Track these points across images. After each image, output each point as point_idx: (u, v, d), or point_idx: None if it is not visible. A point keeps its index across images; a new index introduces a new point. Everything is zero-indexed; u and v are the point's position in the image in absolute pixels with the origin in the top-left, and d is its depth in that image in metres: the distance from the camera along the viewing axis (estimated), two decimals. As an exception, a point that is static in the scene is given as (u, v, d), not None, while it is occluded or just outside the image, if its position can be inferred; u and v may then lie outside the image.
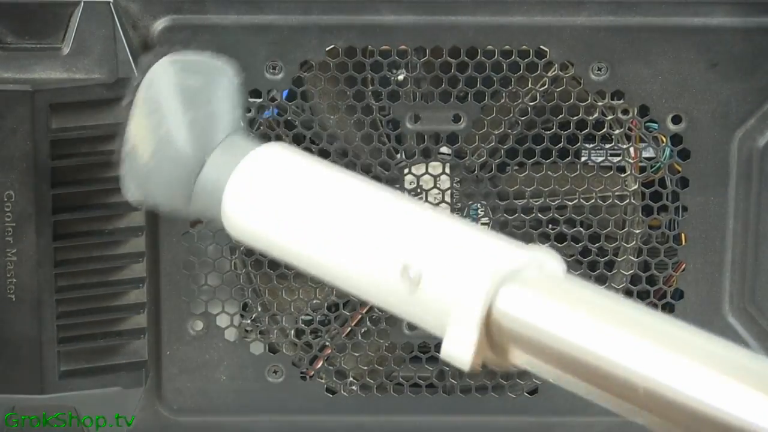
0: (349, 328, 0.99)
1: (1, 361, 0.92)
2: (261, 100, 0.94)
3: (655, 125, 0.94)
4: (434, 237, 0.64)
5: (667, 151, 0.95)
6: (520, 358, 0.60)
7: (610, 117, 0.95)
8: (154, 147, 0.74)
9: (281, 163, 0.71)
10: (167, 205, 0.76)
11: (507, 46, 0.93)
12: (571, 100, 0.94)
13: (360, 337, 0.99)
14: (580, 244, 0.96)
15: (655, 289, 0.97)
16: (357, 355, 0.99)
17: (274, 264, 0.97)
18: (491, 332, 0.60)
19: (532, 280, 0.60)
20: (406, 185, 0.95)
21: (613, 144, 0.96)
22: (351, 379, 0.99)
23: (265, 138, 0.94)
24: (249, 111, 0.94)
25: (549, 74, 0.94)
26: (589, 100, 0.94)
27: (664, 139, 0.95)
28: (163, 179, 0.74)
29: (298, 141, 0.95)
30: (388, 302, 0.65)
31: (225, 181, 0.71)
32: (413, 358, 0.99)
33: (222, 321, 0.97)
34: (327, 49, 0.93)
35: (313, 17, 0.92)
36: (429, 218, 0.66)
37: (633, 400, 0.54)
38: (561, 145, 0.95)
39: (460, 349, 0.60)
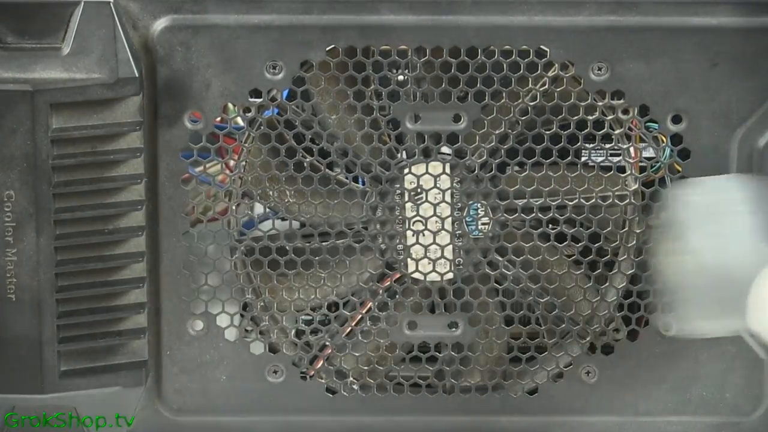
0: (349, 328, 0.99)
1: (1, 361, 0.92)
2: (261, 100, 0.94)
3: (655, 125, 0.94)
4: None
5: (668, 151, 0.95)
6: None
7: (610, 117, 0.95)
8: (700, 265, 0.81)
9: None
10: (721, 322, 0.83)
11: (507, 46, 0.93)
12: (571, 100, 0.94)
13: (360, 337, 0.99)
14: (580, 244, 0.96)
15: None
16: (357, 355, 0.99)
17: (274, 264, 0.97)
18: None
19: None
20: (407, 185, 0.95)
21: (613, 144, 0.96)
22: (351, 379, 0.99)
23: (265, 138, 0.95)
24: (249, 111, 0.94)
25: (549, 74, 0.94)
26: (589, 100, 0.94)
27: (665, 139, 0.95)
28: (720, 294, 0.81)
29: (298, 140, 0.95)
30: None
31: None
32: (413, 358, 0.99)
33: (222, 321, 0.97)
34: (327, 48, 0.93)
35: (314, 17, 0.92)
36: None
37: None
38: (561, 145, 0.95)
39: None
